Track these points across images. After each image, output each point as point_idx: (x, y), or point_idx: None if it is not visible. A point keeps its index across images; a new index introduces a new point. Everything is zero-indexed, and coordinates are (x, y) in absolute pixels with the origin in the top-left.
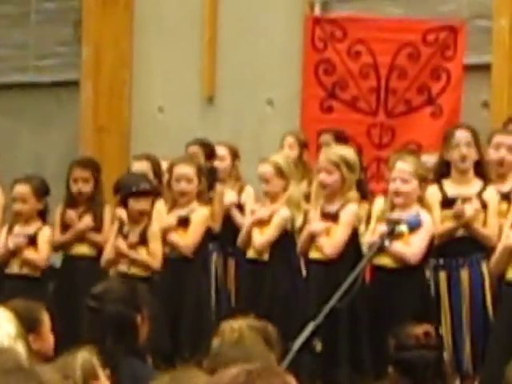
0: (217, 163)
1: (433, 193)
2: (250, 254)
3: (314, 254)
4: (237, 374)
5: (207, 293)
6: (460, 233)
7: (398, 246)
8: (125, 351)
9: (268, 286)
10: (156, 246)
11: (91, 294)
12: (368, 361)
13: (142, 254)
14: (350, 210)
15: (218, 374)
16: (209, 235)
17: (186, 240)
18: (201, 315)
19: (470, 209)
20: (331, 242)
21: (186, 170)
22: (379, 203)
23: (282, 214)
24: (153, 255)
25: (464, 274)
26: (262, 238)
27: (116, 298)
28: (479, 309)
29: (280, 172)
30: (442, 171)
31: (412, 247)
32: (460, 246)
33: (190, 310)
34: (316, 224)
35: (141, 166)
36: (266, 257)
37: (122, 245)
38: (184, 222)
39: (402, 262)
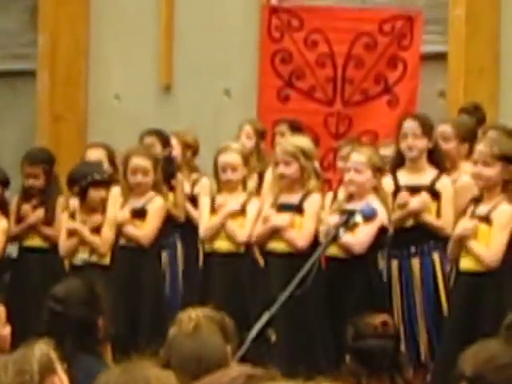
0: (175, 152)
1: (387, 183)
2: (225, 246)
3: (274, 246)
4: (236, 376)
5: (163, 283)
6: (410, 222)
7: (346, 237)
8: (83, 349)
9: (246, 278)
10: (107, 232)
11: (53, 297)
12: (322, 351)
13: (96, 237)
14: (315, 201)
15: (216, 374)
16: (173, 224)
17: (144, 231)
18: (160, 305)
19: (416, 201)
20: (302, 235)
21: (142, 162)
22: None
23: (255, 204)
24: (102, 240)
25: (415, 263)
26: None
27: (78, 302)
28: (431, 298)
29: (246, 160)
30: (397, 161)
31: (357, 237)
32: (411, 236)
33: (148, 300)
34: (279, 217)
35: (96, 155)
36: (242, 249)
37: (79, 225)
38: (140, 213)
39: (347, 252)
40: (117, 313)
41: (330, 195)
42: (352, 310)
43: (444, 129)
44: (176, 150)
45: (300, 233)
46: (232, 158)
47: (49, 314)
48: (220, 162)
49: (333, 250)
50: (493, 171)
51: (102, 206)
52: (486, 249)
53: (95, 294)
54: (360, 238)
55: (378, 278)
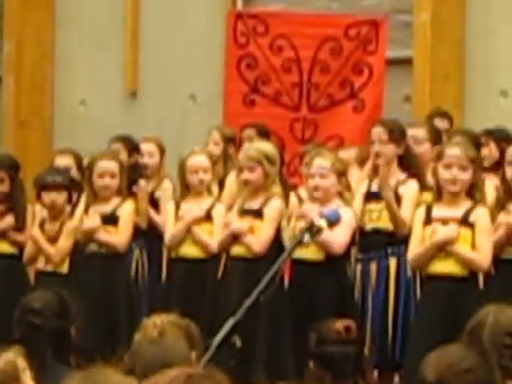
0: (146, 159)
1: (361, 188)
2: (191, 252)
3: (235, 251)
4: (175, 377)
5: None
6: (370, 226)
7: (326, 236)
8: (57, 359)
9: (211, 284)
10: (63, 241)
11: (30, 310)
12: (289, 356)
13: (53, 248)
14: (274, 206)
15: (156, 376)
16: (135, 231)
17: (120, 237)
18: (133, 311)
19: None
20: (259, 240)
21: (110, 164)
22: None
23: (221, 210)
24: (57, 249)
25: (373, 267)
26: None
27: (54, 313)
28: (380, 302)
29: (212, 165)
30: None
31: (338, 238)
32: (370, 240)
33: (123, 306)
34: (238, 223)
35: (64, 161)
36: (207, 255)
37: (36, 232)
38: (110, 219)
39: (327, 252)
40: (89, 321)
41: (294, 199)
42: (322, 314)
43: (415, 132)
44: (155, 156)
45: (257, 238)
46: (203, 160)
47: (25, 326)
48: (190, 165)
49: (302, 254)
50: (468, 175)
51: (59, 212)
52: (478, 252)
53: (68, 304)
54: (340, 238)
55: (346, 283)
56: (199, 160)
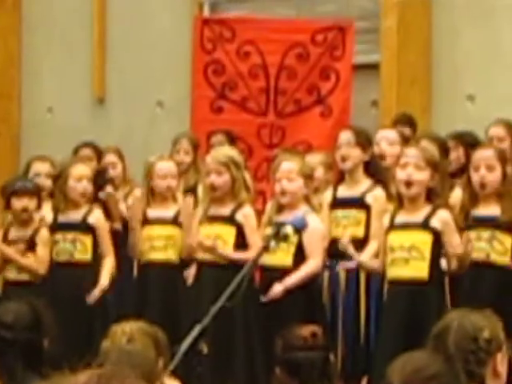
0: (111, 171)
1: (326, 194)
2: (161, 258)
3: (208, 256)
4: (88, 378)
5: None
6: (337, 233)
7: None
8: (30, 370)
9: (182, 289)
10: (43, 251)
11: (1, 323)
12: (260, 364)
13: (29, 259)
14: (249, 214)
15: (68, 380)
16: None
17: (104, 246)
18: (107, 317)
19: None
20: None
21: (86, 170)
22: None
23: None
24: (39, 260)
25: (342, 275)
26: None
27: (26, 326)
28: (351, 308)
29: (184, 172)
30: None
31: (314, 260)
32: (339, 246)
33: (96, 312)
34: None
35: (42, 168)
36: (177, 261)
37: (8, 249)
38: (82, 227)
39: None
40: (63, 330)
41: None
42: (290, 321)
43: (387, 134)
44: (118, 167)
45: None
46: (172, 166)
47: None
48: (159, 170)
49: (269, 261)
50: (424, 176)
51: (28, 219)
52: (452, 249)
53: (40, 315)
54: (316, 260)
55: (316, 290)
56: (168, 166)
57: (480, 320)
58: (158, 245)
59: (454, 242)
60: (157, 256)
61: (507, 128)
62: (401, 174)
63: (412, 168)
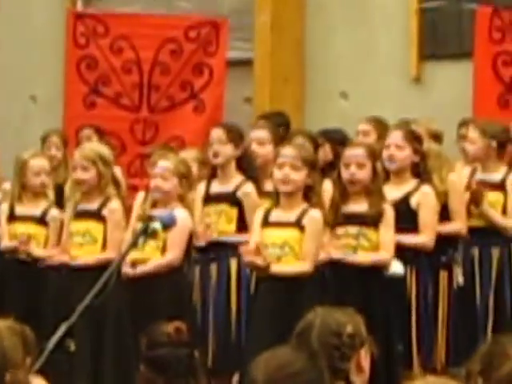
0: None
1: (199, 190)
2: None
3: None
4: None
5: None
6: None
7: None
8: None
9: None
10: None
11: None
12: (130, 362)
13: None
14: (113, 209)
15: None
16: None
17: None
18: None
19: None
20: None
21: (45, 162)
22: (140, 198)
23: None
24: None
25: (213, 269)
26: None
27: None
28: (222, 303)
29: (54, 169)
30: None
31: (171, 252)
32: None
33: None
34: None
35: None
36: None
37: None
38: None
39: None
40: None
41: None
42: (158, 318)
43: (259, 134)
44: None
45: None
46: (45, 163)
47: None
48: (33, 166)
49: (139, 256)
50: (301, 176)
51: None
52: (303, 259)
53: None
54: (172, 253)
55: (185, 284)
56: (42, 163)
57: (343, 316)
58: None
59: (308, 246)
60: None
61: (374, 123)
62: (278, 174)
63: (288, 168)
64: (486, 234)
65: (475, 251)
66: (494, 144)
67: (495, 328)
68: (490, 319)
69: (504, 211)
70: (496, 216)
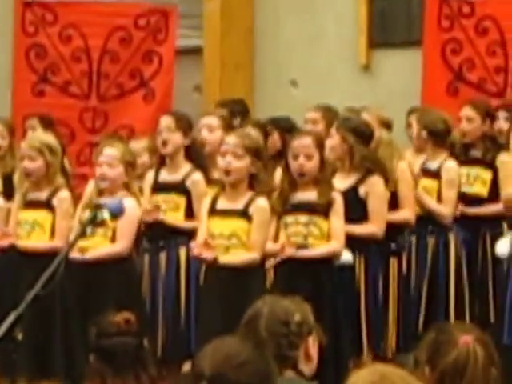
0: None
1: (148, 178)
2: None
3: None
4: None
5: None
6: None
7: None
8: None
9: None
10: None
11: None
12: (79, 352)
13: None
14: (62, 198)
15: None
16: None
17: None
18: None
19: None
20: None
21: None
22: (90, 187)
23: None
24: None
25: (162, 258)
26: None
27: None
28: (171, 292)
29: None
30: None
31: (121, 241)
32: (158, 230)
33: None
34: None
35: None
36: None
37: None
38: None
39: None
40: None
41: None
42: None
43: (208, 120)
44: None
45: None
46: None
47: None
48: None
49: (88, 245)
50: (243, 164)
51: None
52: (251, 250)
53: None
54: (121, 243)
55: (133, 274)
56: None
57: (290, 305)
58: None
59: (255, 236)
60: None
61: (323, 112)
62: (221, 162)
63: (230, 156)
64: (423, 222)
65: (413, 239)
66: (424, 134)
67: (427, 317)
68: (423, 307)
69: (439, 198)
70: (430, 202)
